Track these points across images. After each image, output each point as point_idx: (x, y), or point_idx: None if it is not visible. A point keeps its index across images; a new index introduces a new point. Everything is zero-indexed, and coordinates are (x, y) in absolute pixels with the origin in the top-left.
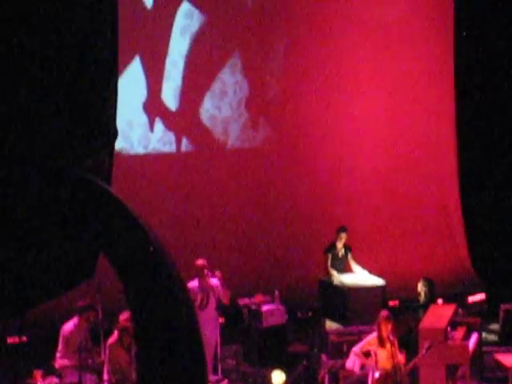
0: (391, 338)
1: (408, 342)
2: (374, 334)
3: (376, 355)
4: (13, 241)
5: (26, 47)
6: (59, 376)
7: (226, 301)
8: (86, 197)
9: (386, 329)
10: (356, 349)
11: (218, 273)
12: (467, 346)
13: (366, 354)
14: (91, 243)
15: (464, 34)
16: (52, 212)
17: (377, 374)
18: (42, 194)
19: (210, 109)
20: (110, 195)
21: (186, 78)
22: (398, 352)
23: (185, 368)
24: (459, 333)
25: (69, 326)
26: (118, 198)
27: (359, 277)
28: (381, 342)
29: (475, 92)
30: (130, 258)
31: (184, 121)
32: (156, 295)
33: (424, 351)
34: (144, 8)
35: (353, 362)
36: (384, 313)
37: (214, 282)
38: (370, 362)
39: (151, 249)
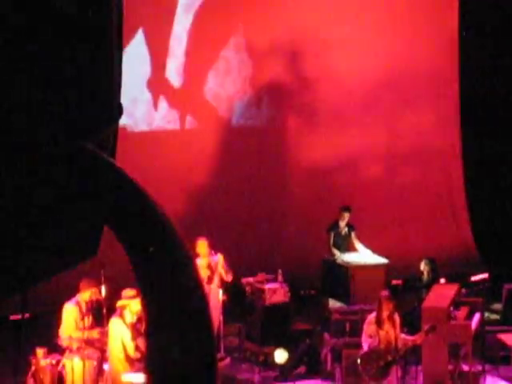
0: (393, 317)
1: (411, 321)
2: (372, 315)
3: (371, 336)
4: (15, 216)
5: (27, 25)
6: (62, 353)
7: (229, 277)
8: (90, 171)
9: (387, 308)
10: (363, 337)
11: (220, 254)
12: (470, 326)
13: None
14: (96, 218)
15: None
16: (56, 186)
17: (365, 347)
18: (46, 168)
19: (213, 87)
20: (115, 169)
21: (190, 55)
22: (399, 332)
23: (193, 343)
24: (462, 312)
25: (71, 303)
26: (123, 171)
27: (362, 256)
28: (378, 323)
29: (480, 76)
30: (137, 232)
31: (188, 98)
32: (164, 269)
33: (423, 333)
34: None
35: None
36: (385, 292)
37: (216, 259)
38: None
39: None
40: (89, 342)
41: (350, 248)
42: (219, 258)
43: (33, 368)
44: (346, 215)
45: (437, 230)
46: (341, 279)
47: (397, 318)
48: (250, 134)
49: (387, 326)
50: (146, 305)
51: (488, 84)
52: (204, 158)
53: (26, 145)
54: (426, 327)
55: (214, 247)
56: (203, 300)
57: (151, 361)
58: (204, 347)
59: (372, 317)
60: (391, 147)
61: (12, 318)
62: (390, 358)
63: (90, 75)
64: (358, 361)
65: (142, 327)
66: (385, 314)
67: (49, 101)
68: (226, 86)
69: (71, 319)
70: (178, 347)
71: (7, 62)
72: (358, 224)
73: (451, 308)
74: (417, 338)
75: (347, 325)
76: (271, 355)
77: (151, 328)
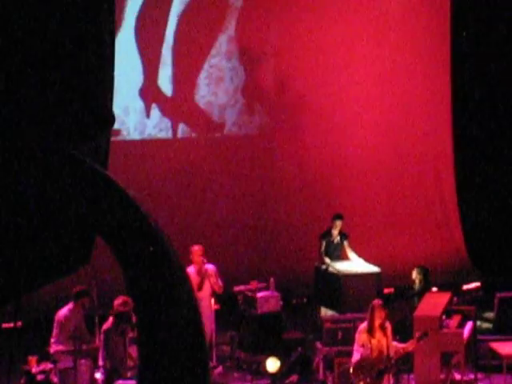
0: (385, 325)
1: (403, 329)
2: (363, 325)
3: (363, 345)
4: (7, 226)
5: (24, 29)
6: (54, 362)
7: (219, 290)
8: (83, 181)
9: (379, 317)
10: (355, 346)
11: (211, 265)
12: (462, 334)
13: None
14: (87, 227)
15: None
16: (49, 196)
17: (358, 356)
18: (39, 177)
19: (206, 95)
20: (107, 179)
21: (182, 64)
22: (390, 340)
23: (186, 353)
24: (454, 321)
25: (64, 312)
26: (115, 182)
27: (354, 264)
28: (371, 330)
29: (472, 81)
30: (129, 242)
31: (180, 107)
32: (155, 279)
33: (415, 340)
34: None
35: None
36: (377, 301)
37: (210, 268)
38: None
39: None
40: (81, 351)
41: (342, 256)
42: (212, 270)
43: (25, 376)
44: (339, 223)
45: (429, 238)
46: (333, 287)
47: (388, 326)
48: (242, 141)
49: (379, 334)
50: (137, 314)
51: (481, 88)
52: (196, 166)
53: (16, 150)
54: (417, 334)
55: (207, 255)
56: (195, 310)
57: (143, 369)
58: (197, 357)
59: (364, 326)
60: (383, 156)
61: (4, 326)
62: (382, 367)
63: (84, 82)
64: (351, 370)
65: (135, 335)
66: (377, 322)
67: (41, 105)
68: (218, 94)
69: (63, 327)
70: (170, 356)
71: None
72: (349, 232)
73: (443, 316)
74: (408, 346)
75: (339, 333)
76: (263, 364)
77: (143, 337)
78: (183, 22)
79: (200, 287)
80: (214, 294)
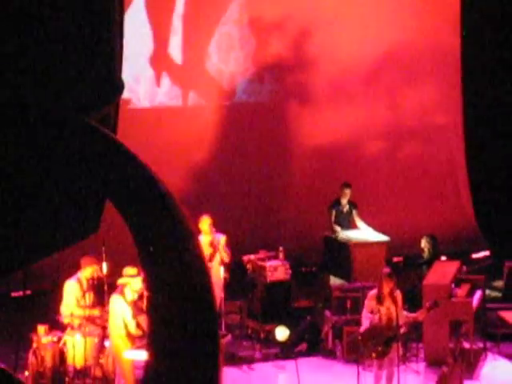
0: (394, 294)
1: (412, 298)
2: (373, 292)
3: (372, 312)
4: (16, 192)
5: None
6: (63, 330)
7: (226, 259)
8: (92, 146)
9: (388, 286)
10: (364, 313)
11: (222, 234)
12: (471, 303)
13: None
14: (97, 193)
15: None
16: (57, 161)
17: (367, 323)
18: (47, 142)
19: (216, 63)
20: (117, 145)
21: (193, 32)
22: (400, 308)
23: (196, 319)
24: (463, 290)
25: (73, 280)
26: (126, 147)
27: (363, 233)
28: (379, 299)
29: (482, 58)
30: (139, 207)
31: (191, 75)
32: (167, 245)
33: (425, 309)
34: None
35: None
36: (386, 270)
37: (218, 237)
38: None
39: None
40: (90, 319)
41: (351, 225)
42: (221, 239)
43: (34, 345)
44: (348, 192)
45: (438, 207)
46: (342, 256)
47: (398, 294)
48: (252, 110)
49: (388, 302)
50: (147, 281)
51: (491, 60)
52: (206, 134)
53: (27, 117)
54: (428, 304)
55: (216, 224)
56: (206, 276)
57: (153, 338)
58: (207, 323)
59: (373, 293)
60: (393, 125)
61: (13, 294)
62: (390, 335)
63: (92, 48)
64: (359, 337)
65: (143, 304)
66: (386, 291)
67: (50, 73)
68: (229, 62)
69: (72, 296)
70: (179, 324)
71: (10, 33)
72: (359, 201)
73: (452, 285)
74: (418, 315)
75: (348, 302)
76: (272, 332)
77: (153, 305)
78: None
79: (211, 257)
80: (223, 263)
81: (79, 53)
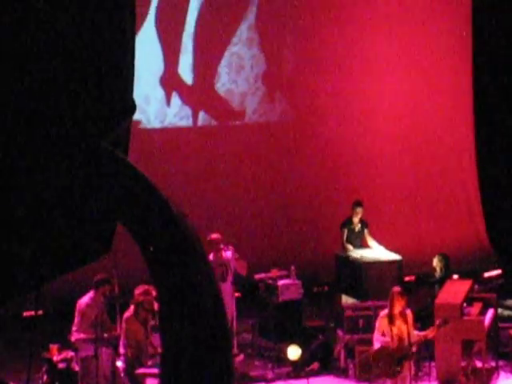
0: (405, 313)
1: (424, 317)
2: (384, 312)
3: (384, 333)
4: (30, 213)
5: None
6: (75, 350)
7: (243, 271)
8: (105, 168)
9: (399, 305)
10: (375, 334)
11: (231, 246)
12: (483, 322)
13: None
14: (109, 215)
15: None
16: (71, 183)
17: (378, 345)
18: (62, 165)
19: (226, 83)
20: (129, 166)
21: (203, 51)
22: (411, 328)
23: (208, 339)
24: (475, 308)
25: (85, 300)
26: (137, 169)
27: (375, 252)
28: (390, 319)
29: (493, 65)
30: (151, 229)
31: (201, 95)
32: (178, 266)
33: (435, 327)
34: None
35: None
36: (397, 289)
37: (229, 255)
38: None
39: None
40: (102, 339)
41: (363, 244)
42: (231, 253)
43: (46, 364)
44: (359, 210)
45: (450, 226)
46: (354, 275)
47: (409, 313)
48: (262, 130)
49: (399, 322)
50: (160, 301)
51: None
52: (217, 154)
53: (43, 139)
54: (438, 321)
55: (228, 244)
56: (217, 297)
57: (165, 357)
58: (219, 343)
59: (384, 313)
60: (404, 143)
61: (25, 314)
62: (402, 354)
63: (104, 71)
64: (371, 358)
65: (156, 324)
66: (397, 309)
67: (64, 97)
68: (239, 82)
69: (85, 315)
70: (192, 344)
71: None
72: (370, 220)
73: (464, 304)
74: (429, 333)
75: (360, 321)
76: (284, 352)
77: (165, 325)
78: (204, 10)
79: (223, 277)
80: (235, 281)
81: (93, 74)
